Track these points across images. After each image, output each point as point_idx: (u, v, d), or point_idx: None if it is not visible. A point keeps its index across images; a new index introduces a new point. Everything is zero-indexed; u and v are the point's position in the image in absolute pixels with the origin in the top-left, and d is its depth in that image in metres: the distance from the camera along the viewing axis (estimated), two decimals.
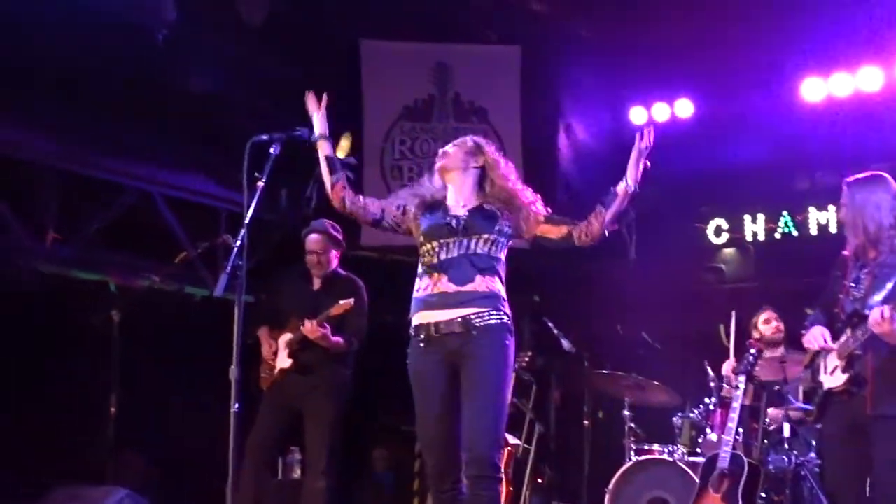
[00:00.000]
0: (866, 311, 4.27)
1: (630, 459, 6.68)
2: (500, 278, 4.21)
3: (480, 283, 4.10)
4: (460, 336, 4.06)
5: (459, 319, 4.07)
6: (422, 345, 4.16)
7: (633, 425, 6.92)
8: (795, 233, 9.02)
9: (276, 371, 6.01)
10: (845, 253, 4.60)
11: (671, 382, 6.97)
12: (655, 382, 6.91)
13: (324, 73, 8.88)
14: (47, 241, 7.51)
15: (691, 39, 8.45)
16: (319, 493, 5.76)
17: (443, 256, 4.18)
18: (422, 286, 4.20)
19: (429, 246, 4.22)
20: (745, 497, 5.76)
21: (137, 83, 7.30)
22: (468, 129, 8.08)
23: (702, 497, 5.90)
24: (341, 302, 5.72)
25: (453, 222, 4.24)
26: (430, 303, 4.13)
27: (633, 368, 7.06)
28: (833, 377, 4.47)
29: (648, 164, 4.31)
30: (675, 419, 6.79)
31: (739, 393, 6.00)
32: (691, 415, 6.73)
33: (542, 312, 8.01)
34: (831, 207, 8.58)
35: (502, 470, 4.08)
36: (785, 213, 9.06)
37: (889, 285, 4.30)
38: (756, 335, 6.89)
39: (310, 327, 5.73)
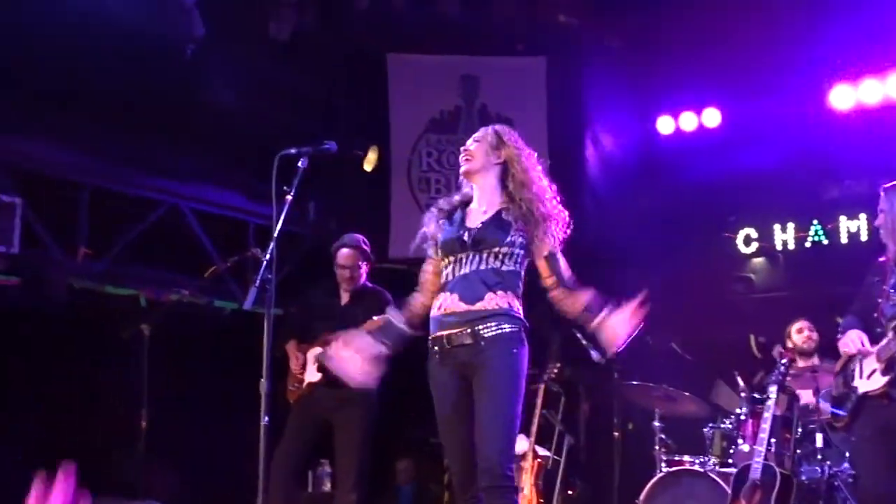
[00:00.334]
0: None
1: (661, 471, 6.64)
2: (516, 292, 4.10)
3: (490, 301, 4.03)
4: (471, 347, 4.03)
5: (469, 331, 4.04)
6: (437, 357, 4.16)
7: (663, 436, 6.88)
8: (825, 241, 8.95)
9: (305, 384, 6.03)
10: (882, 259, 4.57)
11: (701, 393, 6.93)
12: (685, 393, 6.87)
13: (350, 88, 8.96)
14: (79, 257, 7.58)
15: (718, 48, 8.43)
16: None
17: (456, 273, 4.13)
18: (437, 305, 4.19)
19: (445, 261, 4.18)
20: None
21: (166, 98, 7.36)
22: None
23: None
24: (376, 318, 5.71)
25: (465, 235, 4.16)
26: (444, 323, 4.11)
27: (662, 379, 7.02)
28: (870, 381, 4.43)
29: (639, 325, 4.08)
30: (706, 430, 6.75)
31: (771, 403, 5.96)
32: (722, 425, 6.69)
33: (570, 323, 7.97)
34: (862, 216, 8.52)
35: (515, 479, 3.98)
36: (815, 221, 8.99)
37: None
38: (789, 344, 6.86)
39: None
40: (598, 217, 9.03)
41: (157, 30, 7.17)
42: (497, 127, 4.36)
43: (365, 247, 6.09)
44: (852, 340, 4.53)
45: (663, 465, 6.71)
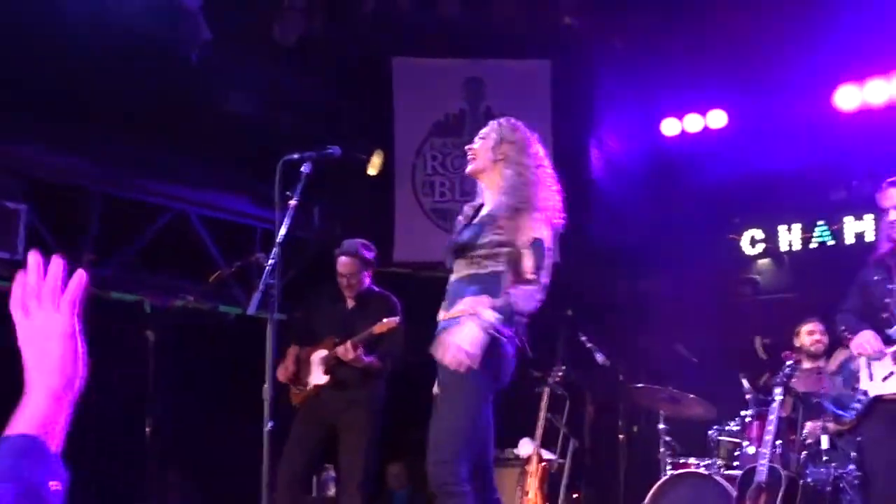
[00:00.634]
0: None
1: (666, 473, 6.63)
2: (496, 294, 3.90)
3: (463, 307, 3.94)
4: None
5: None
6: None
7: (668, 439, 6.87)
8: (831, 242, 8.93)
9: (311, 387, 6.03)
10: (878, 255, 4.53)
11: (706, 395, 6.92)
12: (691, 395, 6.86)
13: (356, 92, 8.96)
14: (84, 263, 7.59)
15: (723, 50, 8.42)
16: None
17: (450, 280, 4.12)
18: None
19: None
20: None
21: (172, 103, 7.37)
22: None
23: None
24: (385, 320, 5.71)
25: (455, 240, 4.12)
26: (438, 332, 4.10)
27: (667, 381, 7.02)
28: (886, 384, 4.37)
29: None
30: (711, 432, 6.74)
31: (776, 405, 5.95)
32: (727, 427, 6.68)
33: (575, 326, 7.98)
34: (868, 217, 8.49)
35: (456, 484, 3.81)
36: (820, 222, 8.98)
37: None
38: (797, 343, 6.84)
39: (343, 351, 5.75)
40: (604, 220, 9.02)
41: (162, 35, 7.19)
42: (501, 122, 4.27)
43: (365, 252, 6.07)
44: (868, 342, 4.46)
45: (668, 467, 6.71)
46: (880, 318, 4.49)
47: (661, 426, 6.90)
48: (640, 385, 7.29)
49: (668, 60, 8.81)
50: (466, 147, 4.30)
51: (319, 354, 6.00)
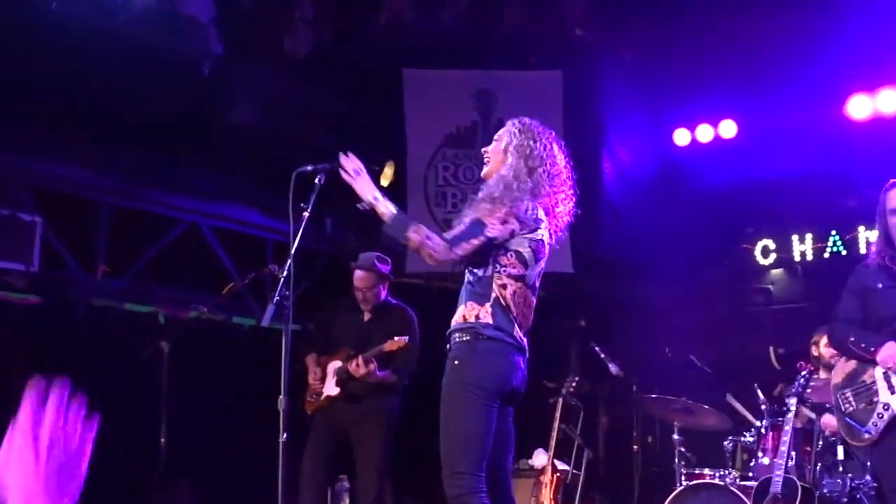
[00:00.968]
0: None
1: (681, 484, 6.60)
2: (488, 296, 3.94)
3: (460, 315, 4.01)
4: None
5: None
6: None
7: (683, 449, 6.84)
8: (844, 252, 8.91)
9: (324, 397, 6.04)
10: (880, 261, 4.48)
11: (720, 406, 6.89)
12: (705, 406, 6.83)
13: (367, 104, 8.98)
14: (98, 275, 7.62)
15: (734, 59, 8.42)
16: None
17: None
18: None
19: None
20: None
21: (183, 115, 7.40)
22: None
23: None
24: (396, 339, 5.71)
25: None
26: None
27: (682, 392, 6.99)
28: None
29: None
30: (726, 443, 6.71)
31: (791, 415, 5.92)
32: (742, 438, 6.65)
33: (588, 337, 7.97)
34: None
35: (472, 494, 3.82)
36: (833, 232, 8.96)
37: None
38: (815, 353, 6.79)
39: (354, 367, 5.75)
40: (616, 230, 9.02)
41: (174, 47, 7.22)
42: (515, 122, 4.26)
43: (380, 265, 6.08)
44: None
45: (683, 478, 6.67)
46: (893, 329, 4.45)
47: (676, 437, 6.86)
48: (653, 395, 7.27)
49: (677, 70, 8.82)
50: (483, 150, 4.31)
51: (334, 365, 6.02)
